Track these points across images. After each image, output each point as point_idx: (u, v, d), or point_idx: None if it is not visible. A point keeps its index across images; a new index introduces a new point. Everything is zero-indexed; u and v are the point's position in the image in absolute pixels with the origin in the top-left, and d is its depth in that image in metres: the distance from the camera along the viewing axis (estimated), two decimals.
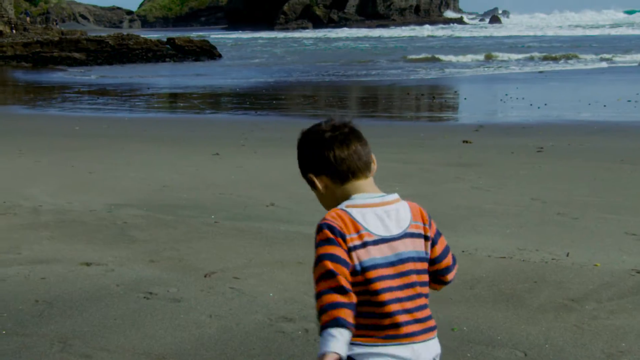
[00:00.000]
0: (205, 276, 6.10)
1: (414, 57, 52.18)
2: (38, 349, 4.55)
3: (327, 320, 2.65)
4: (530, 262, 6.70)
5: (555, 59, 48.05)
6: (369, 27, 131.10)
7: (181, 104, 28.61)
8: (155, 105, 28.87)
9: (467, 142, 15.50)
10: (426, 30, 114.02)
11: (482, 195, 10.05)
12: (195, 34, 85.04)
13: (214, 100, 30.42)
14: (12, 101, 30.05)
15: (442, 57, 51.72)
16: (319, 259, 2.78)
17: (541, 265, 6.60)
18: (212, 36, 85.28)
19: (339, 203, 2.87)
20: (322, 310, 2.68)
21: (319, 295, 2.72)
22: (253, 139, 16.24)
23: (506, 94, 27.14)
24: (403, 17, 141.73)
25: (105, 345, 4.58)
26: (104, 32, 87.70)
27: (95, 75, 45.38)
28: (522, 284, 5.97)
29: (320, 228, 2.81)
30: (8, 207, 9.02)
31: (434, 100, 26.89)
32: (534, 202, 9.58)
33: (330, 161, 2.88)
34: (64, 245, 7.09)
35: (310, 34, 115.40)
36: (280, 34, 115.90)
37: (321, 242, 2.80)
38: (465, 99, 27.73)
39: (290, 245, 7.27)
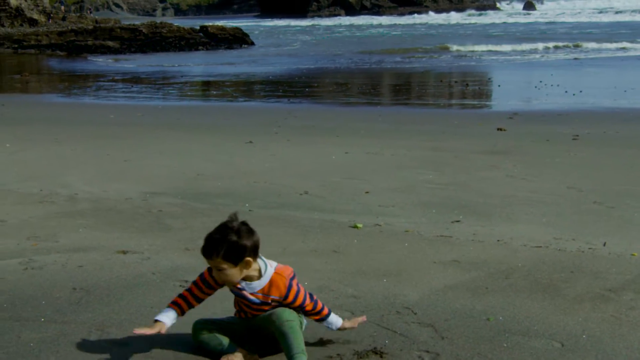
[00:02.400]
0: None
1: (447, 44, 51.85)
2: (76, 336, 4.59)
3: (327, 311, 4.48)
4: (566, 251, 6.65)
5: (588, 46, 47.54)
6: (401, 14, 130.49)
7: (214, 92, 28.69)
8: (189, 93, 28.97)
9: (501, 129, 15.42)
10: (459, 16, 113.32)
11: (517, 183, 9.98)
12: (227, 22, 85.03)
13: (247, 88, 30.46)
14: (47, 90, 30.30)
15: (474, 44, 51.40)
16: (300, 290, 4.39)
17: (578, 254, 6.55)
18: (244, 24, 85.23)
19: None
20: (322, 307, 4.46)
21: (315, 302, 4.44)
22: (286, 127, 16.26)
23: (540, 81, 26.94)
24: (436, 3, 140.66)
25: None
26: (137, 21, 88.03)
27: (129, 63, 45.60)
28: (559, 274, 5.92)
29: (296, 284, 4.41)
30: (45, 195, 9.11)
31: (467, 88, 26.74)
32: (570, 190, 9.50)
33: (257, 245, 4.28)
34: (101, 234, 7.14)
35: (342, 21, 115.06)
36: (313, 22, 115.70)
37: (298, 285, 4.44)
38: (499, 86, 27.55)
39: (325, 233, 7.27)
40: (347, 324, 4.53)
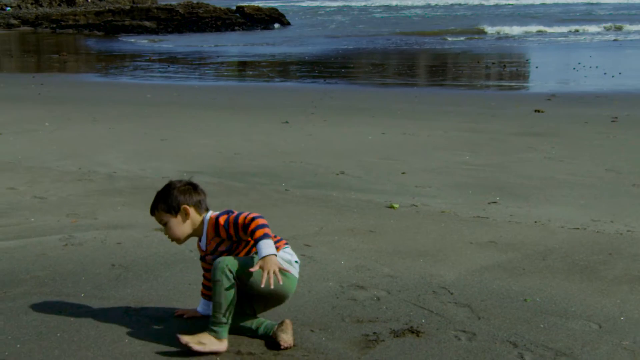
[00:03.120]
0: None
1: (484, 26, 51.39)
2: (115, 312, 4.65)
3: (262, 234, 4.08)
4: (604, 233, 6.60)
5: (630, 28, 46.89)
6: None
7: (250, 72, 28.71)
8: (225, 73, 29.01)
9: (539, 111, 15.29)
10: None
11: (555, 165, 9.91)
12: (264, 3, 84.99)
13: (283, 68, 30.44)
14: (85, 69, 30.51)
15: (511, 25, 50.91)
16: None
17: (616, 236, 6.49)
18: (280, 4, 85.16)
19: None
20: (258, 226, 4.09)
21: (259, 222, 4.12)
22: (322, 108, 16.24)
23: (579, 63, 26.63)
24: None
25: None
26: (174, 1, 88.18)
27: (165, 43, 45.77)
28: (597, 256, 5.88)
29: (218, 218, 4.30)
30: (84, 173, 9.20)
31: (504, 69, 26.50)
32: (609, 172, 9.42)
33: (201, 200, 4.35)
34: (138, 211, 7.20)
35: (378, 1, 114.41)
36: (348, 2, 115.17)
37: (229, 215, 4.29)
38: (536, 67, 27.27)
39: (361, 213, 7.28)
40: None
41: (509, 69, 26.79)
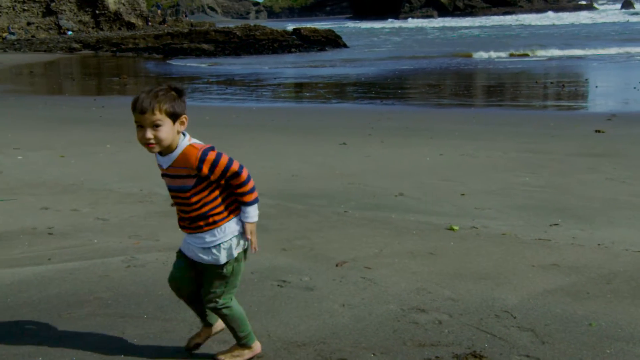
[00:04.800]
0: (336, 265, 6.14)
1: (540, 45, 50.98)
2: (178, 334, 4.68)
3: (255, 197, 4.17)
4: None
5: None
6: (495, 14, 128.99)
7: (307, 94, 28.85)
8: (282, 95, 29.21)
9: (599, 131, 15.08)
10: (555, 17, 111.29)
11: (617, 186, 9.75)
12: (320, 24, 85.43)
13: (340, 89, 30.52)
14: None
15: (569, 45, 50.41)
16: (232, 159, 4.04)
17: None
18: (337, 26, 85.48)
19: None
20: (254, 188, 4.16)
21: (253, 184, 4.15)
22: (379, 129, 16.24)
23: None
24: (531, 3, 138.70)
25: None
26: (231, 24, 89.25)
27: (223, 66, 46.22)
28: None
29: (215, 154, 4.01)
30: (145, 195, 9.32)
31: (563, 89, 26.23)
32: None
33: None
34: None
35: (435, 22, 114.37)
36: (405, 23, 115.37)
37: (220, 153, 4.03)
38: (596, 87, 26.93)
39: (421, 235, 7.25)
40: (252, 237, 4.21)
41: (567, 88, 26.51)
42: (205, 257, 4.13)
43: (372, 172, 10.97)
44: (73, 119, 19.01)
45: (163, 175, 4.12)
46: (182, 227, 4.21)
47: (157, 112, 3.84)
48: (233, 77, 36.50)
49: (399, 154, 12.64)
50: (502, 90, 28.49)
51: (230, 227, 4.11)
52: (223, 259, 4.11)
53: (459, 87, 29.52)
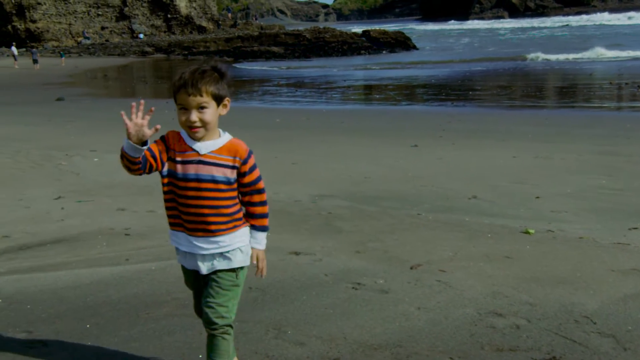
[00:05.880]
0: (411, 268, 6.11)
1: (611, 45, 50.05)
2: (254, 335, 4.70)
3: (267, 224, 3.90)
4: None
5: None
6: (567, 14, 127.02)
7: (377, 96, 28.82)
8: (352, 97, 29.22)
9: None
10: (631, 17, 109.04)
11: None
12: (389, 26, 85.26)
13: (410, 91, 30.42)
14: None
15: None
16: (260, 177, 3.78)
17: None
18: (406, 27, 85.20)
19: None
20: (267, 214, 3.88)
21: (267, 209, 3.87)
22: (451, 131, 16.14)
23: None
24: (604, 2, 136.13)
25: (319, 334, 4.67)
26: (300, 26, 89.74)
27: (293, 68, 46.42)
28: None
29: (251, 152, 3.72)
30: None
31: (639, 90, 25.69)
32: None
33: None
34: (274, 235, 7.26)
35: (506, 23, 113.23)
36: (475, 24, 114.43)
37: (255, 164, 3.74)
38: None
39: (496, 238, 7.16)
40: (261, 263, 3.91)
41: None
42: (217, 264, 3.74)
43: (444, 174, 10.90)
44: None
45: (187, 161, 3.64)
46: (192, 229, 3.71)
47: (203, 94, 3.58)
48: (303, 80, 36.65)
49: (471, 156, 12.53)
50: (574, 91, 28.06)
51: (246, 232, 3.81)
52: (238, 262, 3.77)
53: (530, 88, 29.17)
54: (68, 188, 10.12)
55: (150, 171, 3.67)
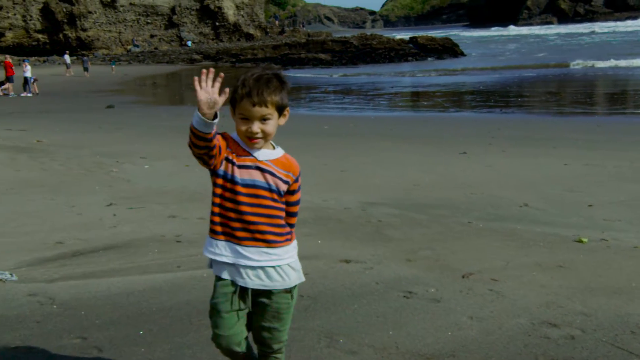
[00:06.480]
0: (463, 277, 6.06)
1: None
2: (306, 343, 4.70)
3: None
4: None
5: None
6: (618, 19, 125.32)
7: (425, 103, 28.72)
8: (399, 104, 29.18)
9: None
10: None
11: None
12: (437, 32, 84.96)
13: (458, 98, 30.28)
14: None
15: None
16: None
17: None
18: (454, 34, 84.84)
19: None
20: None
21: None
22: (500, 138, 16.02)
23: None
24: None
25: (371, 342, 4.65)
26: (347, 33, 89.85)
27: (339, 75, 46.46)
28: None
29: (300, 172, 3.63)
30: None
31: None
32: None
33: None
34: (324, 242, 7.30)
35: (554, 29, 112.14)
36: (524, 30, 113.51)
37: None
38: None
39: (549, 247, 7.08)
40: None
41: None
42: (276, 280, 3.52)
43: (494, 182, 10.82)
44: None
45: (244, 166, 3.45)
46: (243, 238, 3.48)
47: (268, 105, 3.41)
48: (350, 86, 36.66)
49: (521, 164, 12.43)
50: (625, 97, 27.70)
51: (295, 247, 3.64)
52: (294, 280, 3.58)
53: (579, 95, 28.85)
54: (119, 195, 10.22)
55: (213, 159, 3.41)
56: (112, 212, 9.05)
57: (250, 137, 3.42)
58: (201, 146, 3.32)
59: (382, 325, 4.94)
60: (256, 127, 3.40)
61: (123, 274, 6.32)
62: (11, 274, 6.27)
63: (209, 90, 3.27)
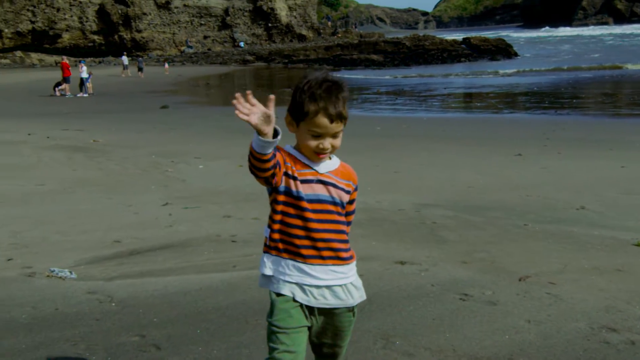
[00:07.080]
0: (519, 280, 6.00)
1: None
2: (363, 344, 4.69)
3: None
4: None
5: None
6: None
7: (478, 104, 28.53)
8: (452, 105, 29.00)
9: None
10: None
11: None
12: (490, 33, 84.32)
13: (511, 99, 30.02)
14: None
15: None
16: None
17: None
18: (507, 34, 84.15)
19: None
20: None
21: None
22: (555, 139, 15.85)
23: None
24: None
25: (427, 345, 4.63)
26: (400, 34, 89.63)
27: (392, 76, 46.36)
28: None
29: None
30: None
31: None
32: None
33: None
34: (379, 243, 7.29)
35: (611, 29, 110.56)
36: (579, 31, 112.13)
37: None
38: None
39: (607, 251, 6.98)
40: None
41: None
42: (341, 298, 3.30)
43: (550, 184, 10.70)
44: (248, 129, 19.25)
45: (306, 180, 3.23)
46: (309, 256, 3.25)
47: (343, 120, 3.21)
48: (402, 87, 36.55)
49: (577, 166, 12.27)
50: None
51: (355, 266, 3.42)
52: (357, 299, 3.37)
53: (635, 96, 28.40)
54: (175, 194, 10.32)
55: (275, 177, 3.18)
56: (168, 212, 9.14)
57: (318, 153, 3.22)
58: (266, 168, 3.11)
59: (438, 328, 4.92)
60: (328, 143, 3.20)
61: (179, 273, 6.38)
62: (70, 272, 6.37)
63: (253, 109, 3.01)
